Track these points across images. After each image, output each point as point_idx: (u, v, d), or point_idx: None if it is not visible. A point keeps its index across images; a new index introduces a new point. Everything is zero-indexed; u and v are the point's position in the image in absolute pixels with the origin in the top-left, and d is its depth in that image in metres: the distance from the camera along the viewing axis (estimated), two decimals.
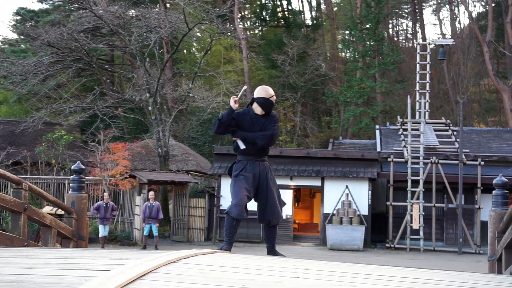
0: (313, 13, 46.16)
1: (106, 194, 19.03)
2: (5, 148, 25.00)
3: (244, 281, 3.00)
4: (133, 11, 28.56)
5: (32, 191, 7.18)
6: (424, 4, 47.23)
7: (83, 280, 2.64)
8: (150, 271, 2.94)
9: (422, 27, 44.09)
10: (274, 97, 6.46)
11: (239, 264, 3.87)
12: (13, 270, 3.08)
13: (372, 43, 34.10)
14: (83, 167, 7.93)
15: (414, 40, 40.68)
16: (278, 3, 43.43)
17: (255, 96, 6.41)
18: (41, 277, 2.82)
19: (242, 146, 6.30)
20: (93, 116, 26.77)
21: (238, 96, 6.40)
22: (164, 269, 3.09)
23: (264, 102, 6.33)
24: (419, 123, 22.74)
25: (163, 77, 26.26)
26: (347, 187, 21.60)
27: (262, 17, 43.16)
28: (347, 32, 38.54)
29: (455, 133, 23.80)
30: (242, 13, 43.31)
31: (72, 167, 7.86)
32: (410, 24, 49.51)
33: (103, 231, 18.54)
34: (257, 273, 3.39)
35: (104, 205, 18.28)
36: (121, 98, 26.53)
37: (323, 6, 44.79)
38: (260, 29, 44.34)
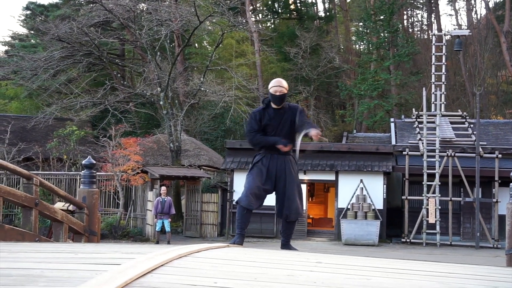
0: (326, 5, 45.85)
1: None
2: (16, 144, 24.95)
3: (256, 275, 2.94)
4: (143, 4, 28.39)
5: (43, 186, 7.20)
6: None
7: (94, 274, 2.58)
8: (162, 265, 2.90)
9: (438, 17, 43.65)
10: (278, 88, 6.29)
11: (251, 258, 3.82)
12: (23, 264, 3.03)
13: (386, 34, 33.75)
14: (94, 162, 7.93)
15: (430, 31, 40.16)
16: None
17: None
18: (51, 271, 2.76)
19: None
20: (104, 111, 26.67)
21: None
22: (175, 263, 3.06)
23: (271, 98, 6.33)
24: (435, 115, 22.40)
25: (174, 71, 26.08)
26: (361, 181, 21.30)
27: (274, 9, 42.86)
28: (361, 23, 38.16)
29: (471, 125, 23.43)
30: (254, 5, 43.01)
31: (83, 162, 7.89)
32: (425, 15, 48.94)
33: None
34: (269, 267, 3.34)
35: None
36: (132, 93, 26.40)
37: None
38: (272, 21, 44.07)
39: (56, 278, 2.62)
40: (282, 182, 6.20)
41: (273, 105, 6.35)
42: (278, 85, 6.29)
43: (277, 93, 6.26)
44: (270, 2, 42.95)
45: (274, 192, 6.32)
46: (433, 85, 23.33)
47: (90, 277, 2.54)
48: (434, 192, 20.91)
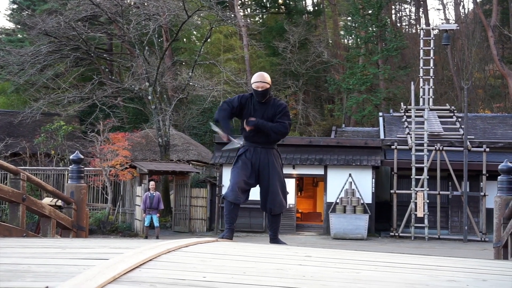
0: None
1: None
2: (3, 139, 24.77)
3: (245, 269, 2.97)
4: None
5: (31, 181, 7.15)
6: None
7: (82, 269, 2.60)
8: (150, 260, 2.92)
9: (426, 12, 43.73)
10: (260, 84, 6.17)
11: (240, 252, 3.85)
12: (10, 259, 3.03)
13: (374, 29, 33.79)
14: (82, 156, 7.87)
15: (418, 26, 40.30)
16: None
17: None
18: (39, 267, 2.78)
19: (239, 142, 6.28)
20: (92, 106, 26.53)
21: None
22: (164, 258, 3.07)
23: (254, 93, 6.24)
24: (423, 109, 22.49)
25: (162, 66, 25.98)
26: (350, 175, 21.34)
27: (262, 4, 42.74)
28: (349, 18, 38.24)
29: (459, 119, 23.55)
30: (242, 0, 42.85)
31: (71, 157, 7.83)
32: (413, 9, 49.02)
33: None
34: (258, 261, 3.36)
35: None
36: (120, 88, 26.26)
37: None
38: (260, 16, 43.96)
39: (43, 273, 2.61)
40: (266, 176, 6.16)
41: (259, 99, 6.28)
42: (260, 80, 6.16)
43: (259, 89, 6.14)
44: None
45: (258, 186, 6.31)
46: (421, 79, 23.41)
47: (78, 272, 2.54)
48: (422, 186, 21.00)
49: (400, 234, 20.99)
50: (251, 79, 6.46)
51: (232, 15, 31.38)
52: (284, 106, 6.30)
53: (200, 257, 3.26)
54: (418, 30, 26.80)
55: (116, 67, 33.91)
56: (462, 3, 44.53)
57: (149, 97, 24.95)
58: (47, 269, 2.71)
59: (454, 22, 39.93)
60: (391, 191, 21.71)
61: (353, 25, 36.14)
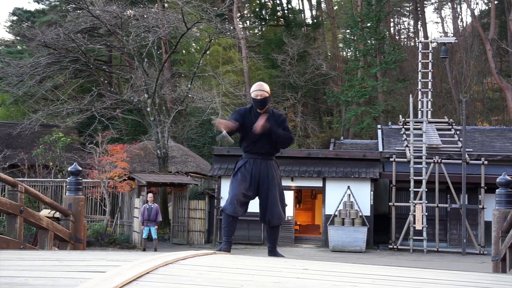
0: (313, 12, 46.03)
1: None
2: (1, 151, 24.73)
3: (243, 282, 2.95)
4: (130, 11, 28.30)
5: (28, 193, 7.16)
6: (425, 2, 47.07)
7: (78, 282, 2.58)
8: (147, 272, 2.90)
9: (424, 25, 43.87)
10: (259, 92, 6.25)
11: (238, 265, 3.83)
12: (7, 272, 3.00)
13: (373, 41, 33.91)
14: (80, 168, 7.87)
15: (416, 39, 40.42)
16: (278, 2, 43.28)
17: None
18: (35, 279, 2.76)
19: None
20: (91, 117, 26.51)
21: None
22: (161, 270, 3.06)
23: (253, 102, 6.33)
24: (422, 122, 22.52)
25: (161, 78, 26.02)
26: (349, 187, 21.32)
27: (261, 16, 42.95)
28: (348, 30, 38.37)
29: (458, 132, 23.57)
30: (241, 12, 43.07)
31: (69, 169, 7.87)
32: (411, 22, 49.31)
33: None
34: (256, 274, 3.34)
35: None
36: (119, 99, 26.28)
37: (323, 5, 44.64)
38: (259, 28, 44.15)
39: (40, 286, 2.60)
40: (265, 187, 6.18)
41: (257, 109, 6.32)
42: (259, 88, 6.26)
43: (258, 97, 6.23)
44: (257, 9, 43.07)
45: (257, 197, 6.30)
46: (419, 92, 23.47)
47: (74, 284, 2.53)
48: (420, 199, 20.98)
49: (399, 247, 20.94)
50: (250, 91, 6.50)
51: (231, 28, 31.47)
52: (284, 118, 6.42)
53: (197, 270, 3.25)
54: (417, 43, 26.89)
55: (115, 78, 33.95)
56: (460, 16, 44.73)
57: (148, 109, 24.97)
58: (44, 282, 2.70)
59: (452, 35, 40.08)
60: (390, 203, 21.69)
61: (352, 37, 36.27)
